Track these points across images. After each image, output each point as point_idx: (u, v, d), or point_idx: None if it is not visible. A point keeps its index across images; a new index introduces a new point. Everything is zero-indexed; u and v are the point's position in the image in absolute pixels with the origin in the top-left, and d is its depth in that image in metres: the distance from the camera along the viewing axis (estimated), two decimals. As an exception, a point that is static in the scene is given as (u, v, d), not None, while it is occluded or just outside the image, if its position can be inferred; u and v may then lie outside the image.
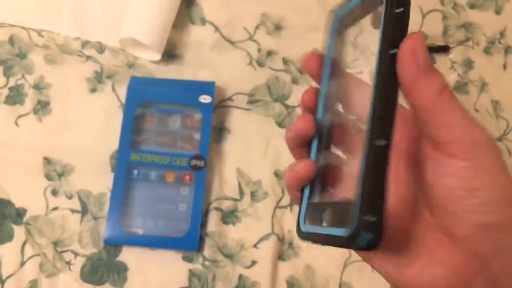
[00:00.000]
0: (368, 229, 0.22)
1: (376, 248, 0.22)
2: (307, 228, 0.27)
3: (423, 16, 0.70)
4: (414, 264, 0.25)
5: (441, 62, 0.69)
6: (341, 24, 0.28)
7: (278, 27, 0.68)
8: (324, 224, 0.25)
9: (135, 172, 0.60)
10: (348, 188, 0.26)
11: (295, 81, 0.66)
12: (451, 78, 0.68)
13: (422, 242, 0.25)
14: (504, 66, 0.70)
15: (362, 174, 0.23)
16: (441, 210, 0.24)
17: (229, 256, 0.59)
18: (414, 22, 0.70)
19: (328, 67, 0.28)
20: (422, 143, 0.26)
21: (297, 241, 0.60)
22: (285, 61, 0.66)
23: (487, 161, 0.23)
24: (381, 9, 0.23)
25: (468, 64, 0.69)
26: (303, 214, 0.27)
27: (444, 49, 0.69)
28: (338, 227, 0.23)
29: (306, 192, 0.28)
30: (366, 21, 0.26)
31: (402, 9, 0.23)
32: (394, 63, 0.23)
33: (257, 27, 0.69)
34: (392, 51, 0.23)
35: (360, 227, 0.22)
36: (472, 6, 0.72)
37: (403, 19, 0.23)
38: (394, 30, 0.23)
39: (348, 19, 0.28)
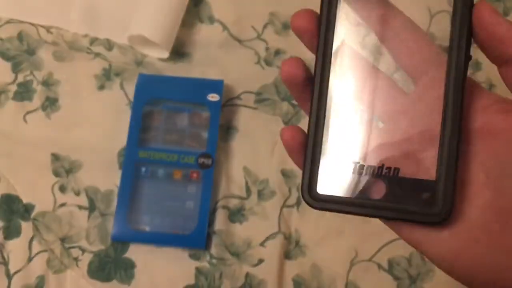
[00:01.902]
0: (452, 207, 0.23)
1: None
2: (326, 195, 0.24)
3: (431, 16, 0.70)
4: (474, 252, 0.22)
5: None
6: None
7: (286, 26, 0.68)
8: (373, 196, 0.24)
9: (143, 169, 0.60)
10: (394, 158, 0.24)
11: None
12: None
13: (481, 226, 0.22)
14: (512, 68, 0.70)
15: (449, 156, 0.23)
16: None
17: (236, 255, 0.59)
18: (422, 23, 0.70)
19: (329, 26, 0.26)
20: (491, 113, 0.24)
21: (304, 240, 0.60)
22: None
23: None
24: None
25: (476, 65, 0.69)
26: (315, 179, 0.25)
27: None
28: (407, 203, 0.23)
29: (313, 154, 0.25)
30: None
31: None
32: (470, 21, 0.24)
33: (265, 26, 0.69)
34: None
35: (450, 208, 0.23)
36: (480, 8, 0.72)
37: None
38: None
39: None
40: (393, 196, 0.23)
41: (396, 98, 0.25)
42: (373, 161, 0.24)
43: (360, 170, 0.24)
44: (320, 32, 0.26)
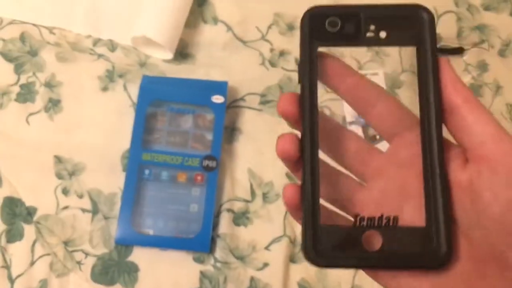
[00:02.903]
0: (451, 250, 0.23)
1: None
2: (328, 252, 0.25)
3: (438, 17, 0.69)
4: None
5: (455, 64, 0.68)
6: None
7: (291, 27, 0.68)
8: (375, 247, 0.24)
9: (147, 172, 0.60)
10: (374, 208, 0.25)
11: (307, 81, 0.66)
12: (466, 80, 0.68)
13: (460, 275, 0.23)
14: (519, 69, 0.69)
15: (443, 202, 0.23)
16: (494, 233, 0.22)
17: (241, 258, 0.58)
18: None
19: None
20: (454, 165, 0.24)
21: (309, 243, 0.59)
22: (298, 62, 0.66)
23: None
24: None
25: (483, 67, 0.68)
26: (316, 237, 0.25)
27: (458, 51, 0.68)
28: (407, 250, 0.24)
29: (312, 215, 0.25)
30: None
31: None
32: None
33: (269, 27, 0.68)
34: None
35: (451, 250, 0.23)
36: (486, 8, 0.71)
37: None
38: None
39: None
40: (394, 245, 0.24)
41: (375, 156, 0.27)
42: (371, 213, 0.25)
43: (360, 222, 0.25)
44: (303, 106, 0.26)
